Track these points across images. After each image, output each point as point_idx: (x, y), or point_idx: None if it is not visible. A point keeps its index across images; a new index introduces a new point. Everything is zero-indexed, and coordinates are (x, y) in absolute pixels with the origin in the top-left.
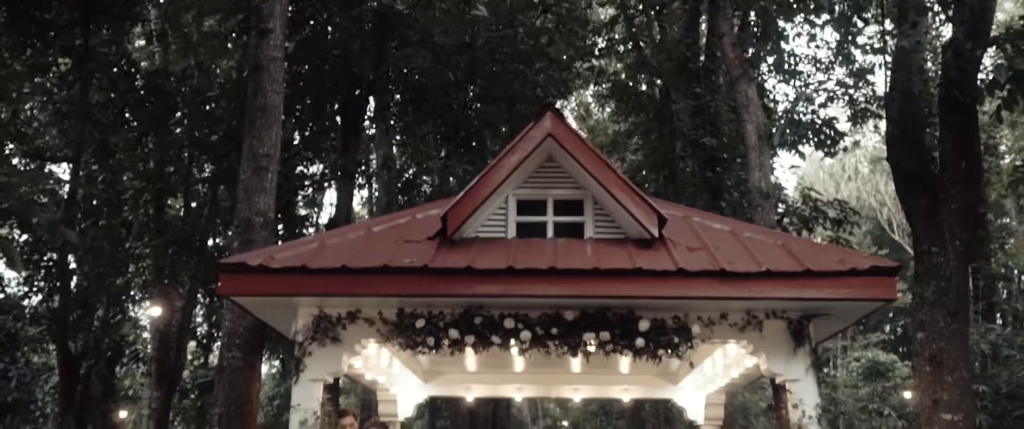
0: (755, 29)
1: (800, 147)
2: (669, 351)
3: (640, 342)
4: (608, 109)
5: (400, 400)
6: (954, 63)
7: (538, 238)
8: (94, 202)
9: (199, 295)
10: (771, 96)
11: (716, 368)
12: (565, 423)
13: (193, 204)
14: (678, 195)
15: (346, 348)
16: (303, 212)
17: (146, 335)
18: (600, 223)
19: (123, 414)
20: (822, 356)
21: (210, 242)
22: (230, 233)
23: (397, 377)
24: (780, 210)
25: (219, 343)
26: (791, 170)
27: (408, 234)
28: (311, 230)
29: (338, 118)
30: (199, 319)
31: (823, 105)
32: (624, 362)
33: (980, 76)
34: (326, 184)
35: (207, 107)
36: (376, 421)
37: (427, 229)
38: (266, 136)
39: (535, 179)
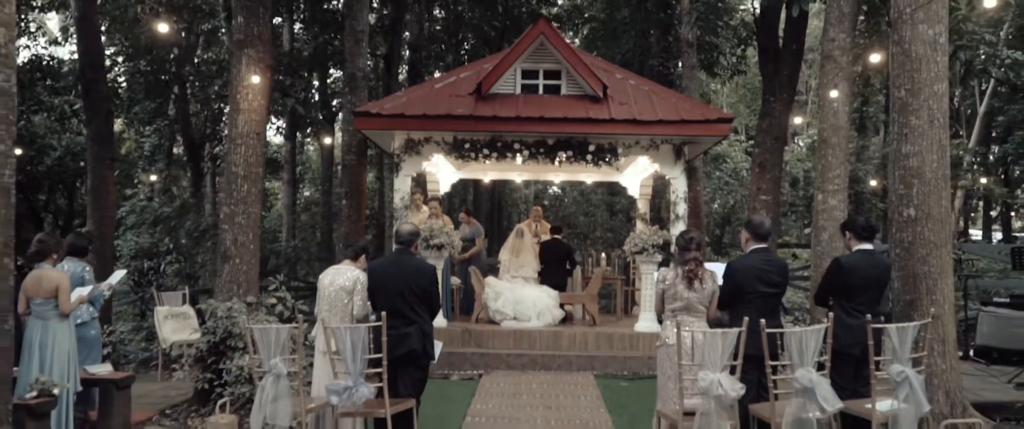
0: None
1: None
2: (605, 162)
3: (589, 157)
4: None
5: (441, 180)
6: None
7: (533, 94)
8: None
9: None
10: None
11: (640, 167)
12: (554, 187)
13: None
14: (646, 22)
15: (424, 157)
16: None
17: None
18: (570, 86)
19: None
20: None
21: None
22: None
23: (442, 168)
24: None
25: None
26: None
27: (456, 90)
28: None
29: None
30: None
31: None
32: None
33: None
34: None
35: None
36: (434, 195)
37: (467, 87)
38: (360, 16)
39: (532, 58)
